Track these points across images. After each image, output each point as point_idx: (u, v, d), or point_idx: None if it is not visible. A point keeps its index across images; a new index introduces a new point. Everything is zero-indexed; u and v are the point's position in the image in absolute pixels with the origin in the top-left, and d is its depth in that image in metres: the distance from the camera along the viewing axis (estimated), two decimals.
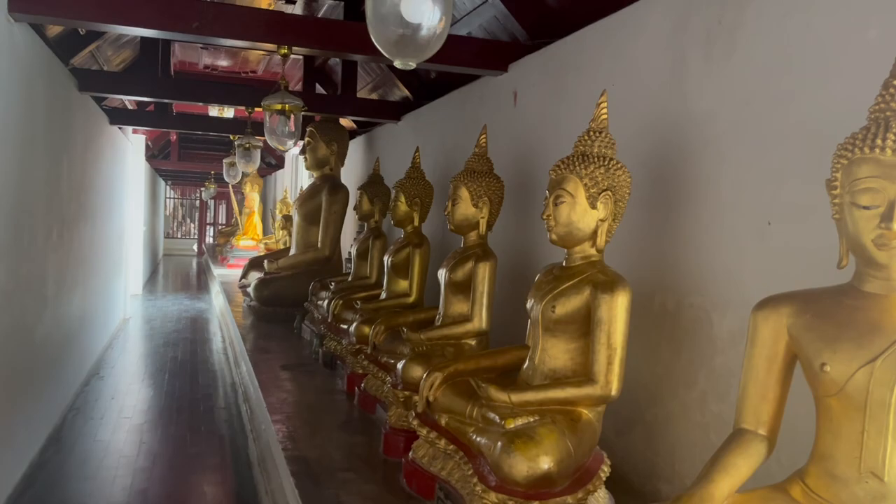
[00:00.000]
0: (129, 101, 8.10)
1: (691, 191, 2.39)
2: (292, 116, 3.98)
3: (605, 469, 2.04)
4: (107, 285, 7.74)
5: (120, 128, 8.33)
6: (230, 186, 12.38)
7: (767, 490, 1.44)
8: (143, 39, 5.75)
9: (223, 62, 9.08)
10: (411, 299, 3.75)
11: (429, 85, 5.52)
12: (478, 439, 2.06)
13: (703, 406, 2.28)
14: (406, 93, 6.07)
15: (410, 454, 2.44)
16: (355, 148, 7.23)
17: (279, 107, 3.87)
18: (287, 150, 4.30)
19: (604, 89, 2.22)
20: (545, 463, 1.81)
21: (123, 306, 9.62)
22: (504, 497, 1.83)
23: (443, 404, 2.31)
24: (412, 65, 1.80)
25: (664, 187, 2.52)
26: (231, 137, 7.30)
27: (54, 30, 4.73)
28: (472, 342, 2.95)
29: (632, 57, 2.77)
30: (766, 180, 2.08)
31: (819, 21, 1.94)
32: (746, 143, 2.16)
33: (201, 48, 7.85)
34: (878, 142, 1.33)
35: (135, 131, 10.99)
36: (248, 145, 6.49)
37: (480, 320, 2.91)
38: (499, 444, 1.88)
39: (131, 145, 10.12)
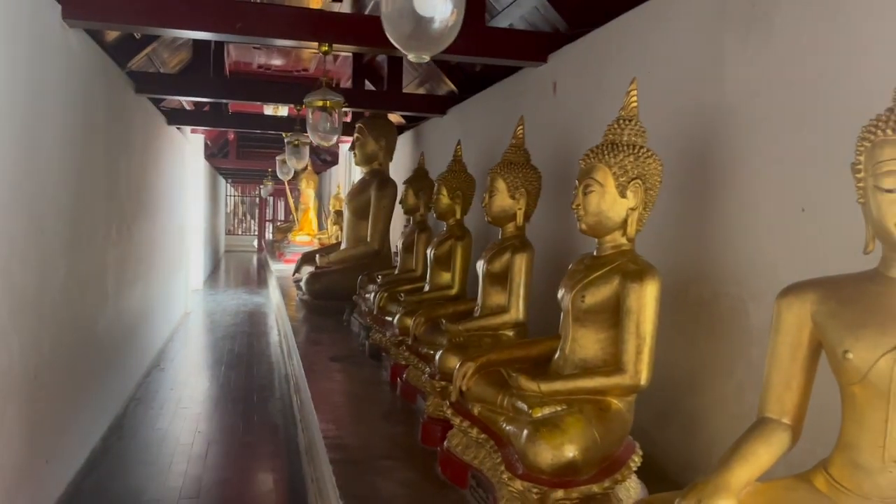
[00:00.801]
0: (186, 101, 8.36)
1: (727, 178, 2.34)
2: (334, 112, 4.05)
3: (636, 459, 2.02)
4: (167, 280, 8.03)
5: (178, 128, 8.60)
6: (286, 183, 12.64)
7: (790, 480, 1.41)
8: (196, 41, 5.94)
9: (276, 61, 9.27)
10: (454, 291, 3.78)
11: (473, 78, 5.53)
12: (507, 428, 2.08)
13: (739, 397, 2.24)
14: (451, 87, 6.10)
15: (445, 443, 2.47)
16: (403, 143, 7.30)
17: (321, 103, 3.95)
18: (330, 146, 4.39)
19: (633, 77, 2.20)
20: (570, 451, 1.81)
21: (184, 301, 9.95)
22: (529, 485, 1.84)
23: (475, 394, 2.33)
24: (426, 58, 1.83)
25: (701, 175, 2.48)
26: (284, 135, 7.47)
27: (111, 35, 4.92)
28: (510, 333, 2.96)
29: (669, 43, 2.73)
30: (803, 166, 2.03)
31: None
32: (783, 128, 2.11)
33: (254, 48, 8.04)
34: None
35: (193, 131, 11.34)
36: (297, 142, 6.63)
37: (518, 311, 2.92)
38: (525, 432, 1.89)
39: (189, 145, 10.44)
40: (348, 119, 7.99)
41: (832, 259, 1.87)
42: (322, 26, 3.53)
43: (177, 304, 9.09)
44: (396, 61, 6.10)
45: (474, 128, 5.03)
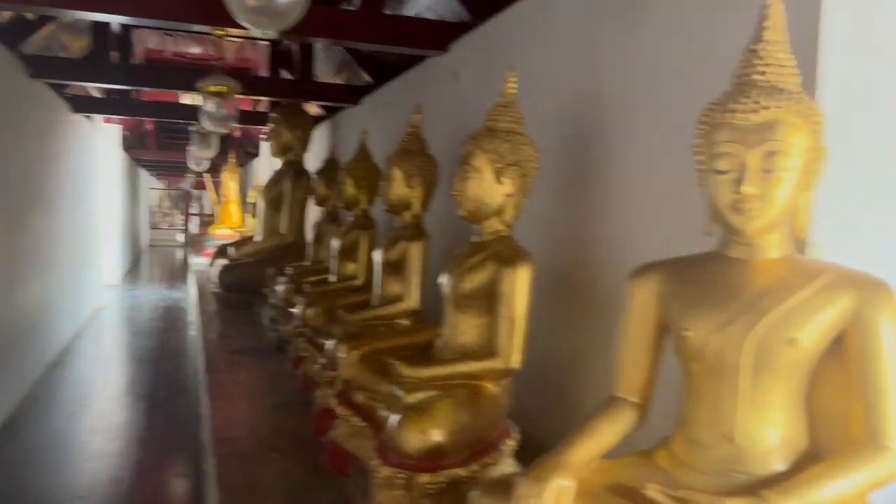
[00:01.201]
0: (94, 88, 8.01)
1: (603, 166, 2.38)
2: (229, 99, 3.94)
3: (510, 443, 2.04)
4: (74, 275, 7.69)
5: (88, 116, 8.24)
6: (206, 176, 12.31)
7: (633, 456, 1.44)
8: (96, 25, 5.67)
9: (193, 49, 9.00)
10: (359, 282, 3.74)
11: (387, 68, 5.48)
12: (384, 414, 2.07)
13: None
14: (366, 76, 6.03)
15: (331, 432, 2.44)
16: (321, 133, 7.19)
17: (214, 88, 3.84)
18: (228, 133, 4.27)
19: (512, 64, 2.21)
20: (436, 435, 1.81)
21: (96, 296, 9.57)
22: (395, 470, 1.83)
23: (359, 382, 2.32)
24: (271, 33, 1.79)
25: (581, 162, 2.51)
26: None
27: (4, 16, 4.67)
28: (406, 321, 2.95)
29: (557, 30, 2.76)
30: (669, 151, 2.07)
31: None
32: (651, 114, 2.15)
33: (166, 34, 7.79)
34: (733, 106, 1.33)
35: (107, 120, 10.89)
36: (202, 131, 6.45)
37: (413, 299, 2.90)
38: (395, 417, 1.88)
39: (101, 134, 10.03)
40: (265, 109, 7.83)
41: (697, 242, 1.92)
42: (217, 9, 3.40)
43: (86, 299, 8.73)
44: (307, 49, 6.00)
45: (385, 117, 4.99)
